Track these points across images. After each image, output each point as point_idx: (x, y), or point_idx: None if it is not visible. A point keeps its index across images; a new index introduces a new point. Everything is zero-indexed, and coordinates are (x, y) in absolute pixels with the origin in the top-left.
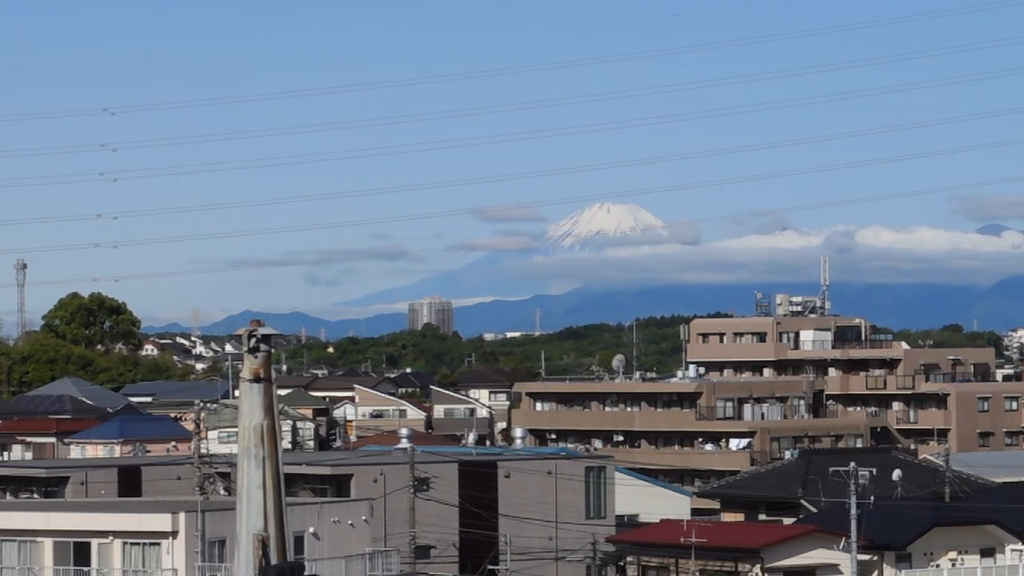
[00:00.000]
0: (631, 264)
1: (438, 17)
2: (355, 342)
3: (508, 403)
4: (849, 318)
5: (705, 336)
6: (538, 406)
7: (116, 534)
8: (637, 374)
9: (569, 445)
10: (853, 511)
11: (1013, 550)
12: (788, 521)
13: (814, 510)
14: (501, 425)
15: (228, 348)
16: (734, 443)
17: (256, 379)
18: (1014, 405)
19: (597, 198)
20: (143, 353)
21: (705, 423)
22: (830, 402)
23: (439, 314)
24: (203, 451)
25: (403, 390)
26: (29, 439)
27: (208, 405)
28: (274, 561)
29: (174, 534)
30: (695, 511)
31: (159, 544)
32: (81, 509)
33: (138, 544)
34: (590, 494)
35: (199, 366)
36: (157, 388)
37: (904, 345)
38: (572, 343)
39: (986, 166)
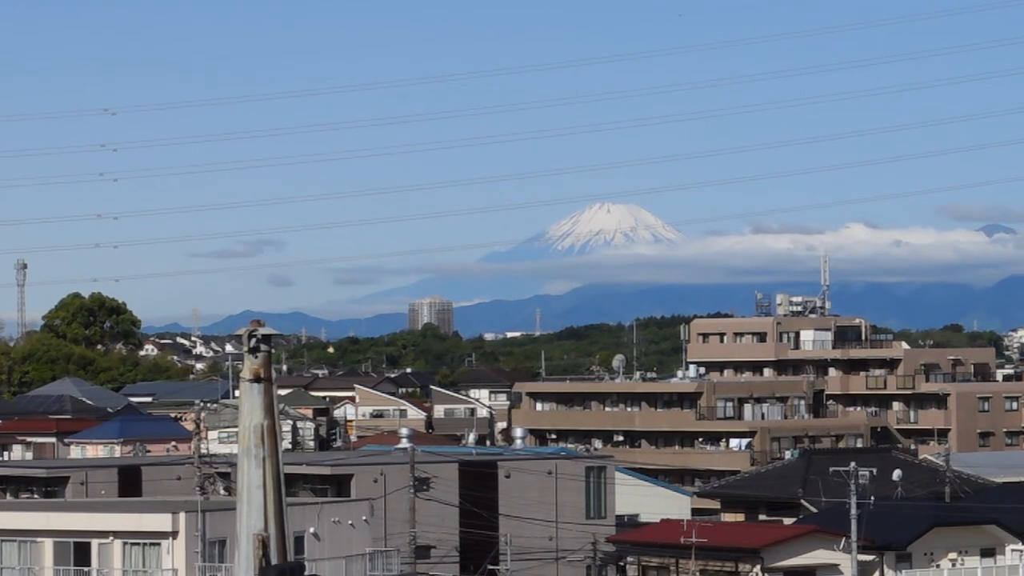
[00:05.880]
0: (631, 264)
1: (438, 17)
2: (355, 342)
3: (508, 403)
4: (849, 318)
5: (705, 336)
6: (538, 406)
7: (116, 534)
8: (637, 374)
9: (569, 445)
10: (853, 511)
11: (1013, 550)
12: (788, 521)
13: (814, 510)
14: (501, 425)
15: (228, 348)
16: (734, 443)
17: (256, 379)
18: (1014, 405)
19: (597, 198)
20: (143, 353)
21: (705, 423)
22: (830, 402)
23: (439, 314)
24: (203, 451)
25: (403, 390)
26: (29, 439)
27: (208, 405)
28: (274, 561)
29: (174, 534)
30: (695, 511)
31: (159, 544)
32: (81, 509)
33: (138, 544)
34: (590, 494)
35: (199, 366)
36: (157, 388)
37: (904, 345)
38: (572, 343)
39: (987, 166)
